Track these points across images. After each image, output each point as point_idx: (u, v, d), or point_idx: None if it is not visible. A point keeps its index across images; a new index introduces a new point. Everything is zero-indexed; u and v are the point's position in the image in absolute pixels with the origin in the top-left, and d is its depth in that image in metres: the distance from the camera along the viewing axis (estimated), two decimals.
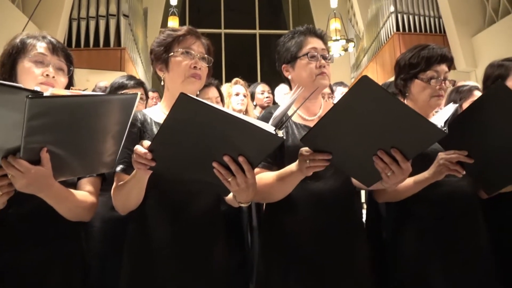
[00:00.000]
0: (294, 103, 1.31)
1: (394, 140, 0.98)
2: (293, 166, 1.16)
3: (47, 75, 1.14)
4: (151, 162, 0.99)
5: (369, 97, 0.90)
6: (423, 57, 1.42)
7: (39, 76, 1.13)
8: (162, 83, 1.29)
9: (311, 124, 1.31)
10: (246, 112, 2.64)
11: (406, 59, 1.48)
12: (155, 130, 1.21)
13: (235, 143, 0.94)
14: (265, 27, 12.01)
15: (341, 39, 7.15)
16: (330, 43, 7.21)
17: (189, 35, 1.27)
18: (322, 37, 1.39)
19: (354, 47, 8.01)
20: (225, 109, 0.92)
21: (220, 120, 0.90)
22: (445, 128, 0.97)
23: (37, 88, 0.90)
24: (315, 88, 1.33)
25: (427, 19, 7.12)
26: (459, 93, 2.05)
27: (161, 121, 1.23)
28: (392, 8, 7.12)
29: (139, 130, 1.22)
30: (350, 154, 1.04)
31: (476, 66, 6.74)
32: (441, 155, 1.23)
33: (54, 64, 1.18)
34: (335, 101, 3.37)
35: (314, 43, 1.36)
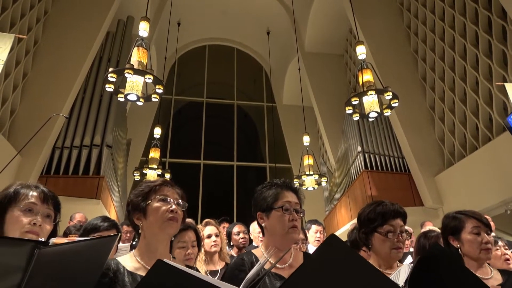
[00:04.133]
0: (270, 258, 1.35)
1: None
2: None
3: (34, 223, 1.19)
4: None
5: (337, 256, 0.96)
6: (379, 212, 1.56)
7: (26, 225, 1.19)
8: (139, 231, 1.32)
9: (282, 272, 1.33)
10: (220, 250, 2.61)
11: (365, 214, 1.61)
12: (127, 280, 1.20)
13: None
14: (242, 160, 12.62)
15: (314, 174, 7.52)
16: (304, 178, 7.56)
17: (164, 184, 1.37)
18: (297, 192, 1.51)
19: (327, 181, 8.38)
20: (199, 274, 0.94)
21: (193, 286, 0.92)
22: None
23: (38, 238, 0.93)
24: (286, 239, 1.39)
25: (392, 159, 7.73)
26: (427, 239, 2.14)
27: (134, 270, 1.23)
28: (359, 148, 7.75)
29: (111, 280, 1.20)
30: None
31: (442, 203, 7.10)
32: None
33: (42, 213, 1.24)
34: (309, 245, 3.40)
35: (289, 197, 1.46)
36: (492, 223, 4.39)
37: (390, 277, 1.18)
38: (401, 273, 1.17)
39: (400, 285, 1.00)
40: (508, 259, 2.17)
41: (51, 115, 4.42)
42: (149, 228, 1.30)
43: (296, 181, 7.79)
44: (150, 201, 1.31)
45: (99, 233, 1.87)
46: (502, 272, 1.60)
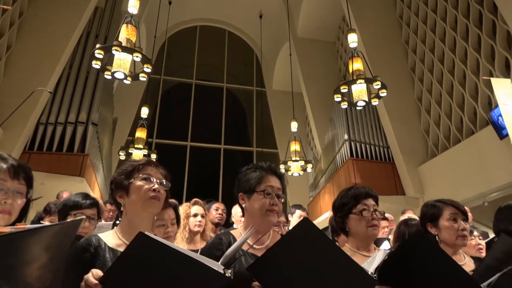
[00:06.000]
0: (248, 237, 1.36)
1: (330, 280, 1.04)
2: None
3: (5, 202, 1.14)
4: None
5: (308, 239, 0.99)
6: (351, 195, 1.62)
7: None
8: (121, 209, 1.32)
9: (259, 253, 1.36)
10: (203, 232, 2.64)
11: (339, 200, 1.67)
12: (108, 255, 1.21)
13: (185, 280, 0.97)
14: (230, 143, 12.61)
15: (300, 160, 7.58)
16: (290, 163, 7.62)
17: (148, 164, 1.37)
18: (281, 177, 1.53)
19: (312, 168, 8.46)
20: (179, 248, 0.96)
21: (174, 259, 0.94)
22: (375, 276, 1.05)
23: None
24: (264, 222, 1.42)
25: (377, 148, 7.83)
26: (408, 226, 2.20)
27: (115, 246, 1.24)
28: (346, 136, 7.83)
29: (92, 256, 1.20)
30: None
31: (423, 193, 7.26)
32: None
33: (13, 190, 1.18)
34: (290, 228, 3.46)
35: (272, 181, 1.47)
36: (470, 214, 4.52)
37: (366, 261, 1.22)
38: (376, 259, 1.21)
39: (370, 272, 1.04)
40: (481, 248, 2.25)
41: (35, 89, 4.33)
42: (131, 206, 1.31)
43: (282, 167, 7.85)
44: (133, 179, 1.31)
45: (81, 210, 1.86)
46: (475, 259, 1.66)
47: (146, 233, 0.93)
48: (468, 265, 1.60)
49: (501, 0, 5.37)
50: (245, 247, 1.35)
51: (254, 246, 1.41)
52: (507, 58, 5.82)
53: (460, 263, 1.60)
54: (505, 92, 5.04)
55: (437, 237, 1.67)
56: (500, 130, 5.28)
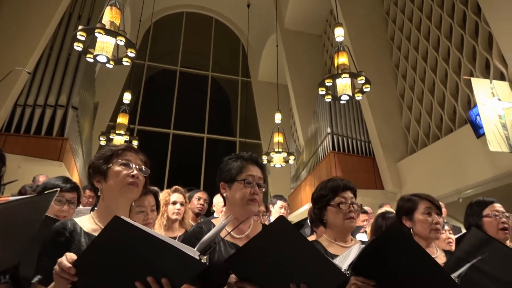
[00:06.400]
0: (227, 226, 1.37)
1: (304, 276, 1.07)
2: None
3: None
4: (73, 278, 0.97)
5: (283, 236, 1.01)
6: (330, 187, 1.65)
7: None
8: (98, 194, 1.30)
9: (239, 242, 1.38)
10: (182, 220, 2.63)
11: (317, 192, 1.70)
12: (83, 240, 1.19)
13: (160, 265, 0.97)
14: (213, 133, 12.56)
15: (282, 151, 7.63)
16: (272, 154, 7.66)
17: (127, 149, 1.35)
18: (262, 167, 1.53)
19: (294, 160, 8.52)
20: (155, 233, 0.96)
21: (149, 244, 0.93)
22: (348, 272, 1.09)
23: None
24: (244, 210, 1.43)
25: (359, 142, 7.94)
26: (385, 219, 2.25)
27: (91, 231, 1.22)
28: (329, 130, 7.90)
29: (67, 240, 1.19)
30: (268, 284, 1.10)
31: (402, 188, 7.42)
32: (353, 279, 1.31)
33: None
34: (272, 219, 3.49)
35: (253, 171, 1.48)
36: (444, 210, 4.65)
37: (341, 256, 1.25)
38: (351, 253, 1.23)
39: (344, 269, 1.07)
40: (451, 242, 2.33)
41: (13, 69, 4.19)
42: (108, 191, 1.29)
43: (264, 157, 7.88)
44: (111, 164, 1.29)
45: (61, 193, 1.83)
46: (446, 252, 1.72)
47: (122, 217, 0.92)
48: (440, 258, 1.66)
49: (485, 2, 5.47)
50: (223, 235, 1.36)
51: (235, 235, 1.42)
52: (487, 59, 5.96)
53: (432, 256, 1.66)
54: (484, 92, 5.16)
55: (411, 230, 1.72)
56: (477, 129, 5.42)
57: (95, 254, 0.97)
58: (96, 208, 1.33)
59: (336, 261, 1.22)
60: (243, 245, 1.08)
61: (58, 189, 1.09)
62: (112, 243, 0.95)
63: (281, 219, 1.03)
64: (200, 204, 3.38)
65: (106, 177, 1.28)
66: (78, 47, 3.98)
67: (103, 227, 1.13)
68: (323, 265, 1.04)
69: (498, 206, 1.94)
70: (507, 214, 1.93)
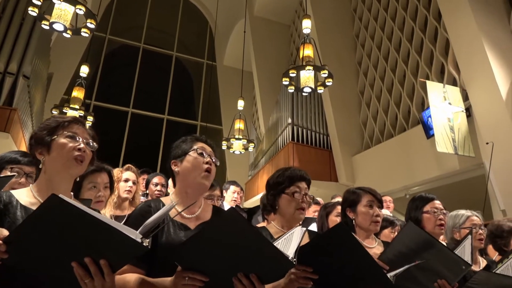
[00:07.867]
0: (177, 205, 1.35)
1: (253, 266, 1.09)
2: (166, 282, 1.15)
3: None
4: (3, 255, 0.92)
5: (234, 227, 1.02)
6: (287, 176, 1.68)
7: None
8: (40, 167, 1.23)
9: (188, 223, 1.36)
10: (133, 199, 2.58)
11: (274, 178, 1.73)
12: (19, 213, 1.13)
13: (99, 246, 0.94)
14: (174, 114, 12.31)
15: (243, 138, 7.65)
16: (232, 141, 7.66)
17: (74, 122, 1.27)
18: (211, 145, 1.52)
19: (254, 147, 8.58)
20: (95, 213, 0.92)
21: (88, 224, 0.90)
22: (295, 260, 1.12)
23: None
24: (197, 184, 1.40)
25: (317, 134, 8.12)
26: (325, 208, 2.36)
27: (28, 205, 1.15)
28: (289, 120, 8.01)
29: (1, 212, 1.11)
30: (217, 274, 1.11)
31: (354, 181, 7.70)
32: (293, 269, 1.35)
33: None
34: (225, 204, 3.49)
35: (204, 146, 1.48)
36: (392, 204, 4.87)
37: (282, 238, 1.28)
38: (293, 237, 1.27)
39: (291, 257, 1.10)
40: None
41: None
42: (51, 164, 1.21)
43: (224, 143, 7.87)
44: (56, 136, 1.21)
45: (19, 165, 1.70)
46: (385, 243, 1.83)
47: (60, 195, 0.88)
48: (378, 248, 1.76)
49: (445, 8, 5.72)
50: (173, 214, 1.33)
51: (185, 215, 1.39)
52: (443, 64, 6.26)
53: (371, 246, 1.76)
54: (437, 95, 5.43)
55: (354, 221, 1.80)
56: (428, 130, 5.71)
57: (29, 232, 0.92)
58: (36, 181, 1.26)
59: (278, 244, 1.25)
60: (188, 238, 1.07)
61: (16, 174, 1.00)
62: (48, 222, 0.91)
63: (232, 210, 1.04)
64: (158, 190, 3.24)
65: (50, 149, 1.21)
66: (33, 12, 3.74)
67: (41, 201, 1.07)
68: (271, 254, 1.06)
69: (437, 204, 2.07)
70: (445, 211, 2.07)
